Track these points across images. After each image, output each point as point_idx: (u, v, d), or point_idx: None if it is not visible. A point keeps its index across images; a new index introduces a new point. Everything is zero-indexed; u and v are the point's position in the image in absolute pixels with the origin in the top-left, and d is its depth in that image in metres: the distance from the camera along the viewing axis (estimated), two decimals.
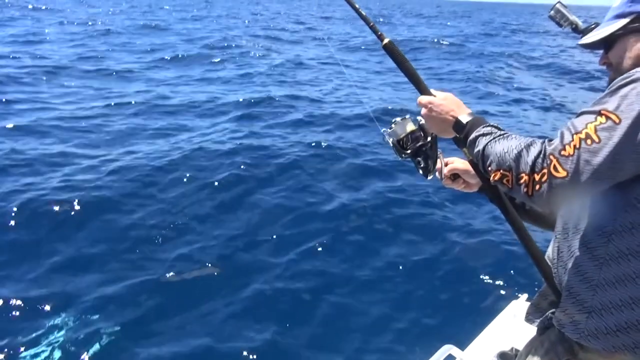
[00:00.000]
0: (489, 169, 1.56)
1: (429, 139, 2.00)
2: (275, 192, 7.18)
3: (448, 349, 2.77)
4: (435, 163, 2.04)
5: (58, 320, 4.53)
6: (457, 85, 15.76)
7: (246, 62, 19.12)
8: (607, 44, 1.68)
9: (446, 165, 2.14)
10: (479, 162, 1.63)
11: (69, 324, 4.49)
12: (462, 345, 3.06)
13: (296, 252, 5.76)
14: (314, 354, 4.39)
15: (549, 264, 1.80)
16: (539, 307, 1.87)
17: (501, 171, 1.51)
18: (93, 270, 5.29)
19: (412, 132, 1.99)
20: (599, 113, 1.38)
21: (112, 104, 11.79)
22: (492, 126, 1.67)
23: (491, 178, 1.56)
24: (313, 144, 9.17)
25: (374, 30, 2.00)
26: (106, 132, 9.58)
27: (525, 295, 3.70)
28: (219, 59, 19.39)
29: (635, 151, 1.35)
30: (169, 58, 19.34)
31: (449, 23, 51.34)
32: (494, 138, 1.59)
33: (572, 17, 1.91)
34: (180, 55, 19.90)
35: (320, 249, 5.85)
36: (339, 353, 4.41)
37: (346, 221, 6.50)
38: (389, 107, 10.94)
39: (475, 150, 1.64)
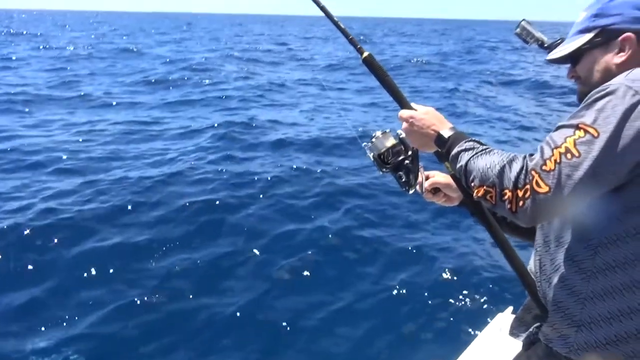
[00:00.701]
0: (472, 184, 1.56)
1: (410, 153, 1.99)
2: (256, 214, 7.13)
3: None
4: (416, 177, 2.02)
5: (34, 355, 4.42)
6: (437, 103, 15.76)
7: (227, 84, 19.16)
8: (573, 58, 1.72)
9: (427, 179, 2.13)
10: (462, 178, 1.63)
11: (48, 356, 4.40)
12: None
13: (277, 274, 5.71)
14: None
15: (533, 277, 1.80)
16: (523, 320, 1.86)
17: (485, 187, 1.50)
18: (71, 297, 5.20)
19: (393, 146, 1.98)
20: (577, 127, 1.40)
21: (93, 129, 11.73)
22: (474, 141, 1.67)
23: (474, 194, 1.55)
24: (294, 166, 9.14)
25: (353, 43, 1.98)
26: (86, 158, 9.49)
27: (511, 308, 3.68)
28: (199, 81, 19.39)
29: (614, 163, 1.37)
30: (149, 81, 19.37)
31: (429, 41, 51.75)
32: (476, 153, 1.59)
33: (538, 34, 1.94)
34: (160, 79, 19.93)
35: (303, 271, 5.79)
36: None
37: (327, 242, 6.46)
38: (370, 128, 10.92)
39: (458, 165, 1.64)
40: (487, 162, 1.52)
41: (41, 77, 18.97)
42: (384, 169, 2.01)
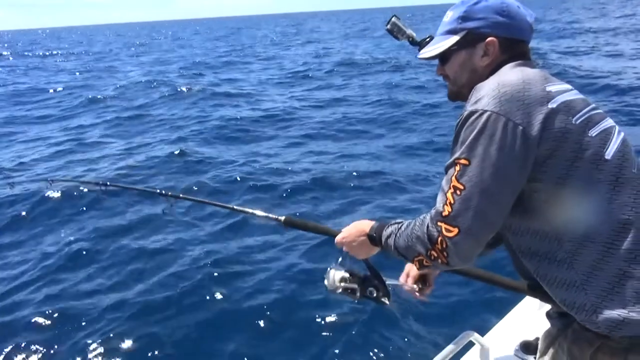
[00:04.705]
0: (410, 260, 1.66)
1: (366, 266, 2.08)
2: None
3: (468, 335, 2.67)
4: (382, 281, 2.08)
5: None
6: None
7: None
8: (442, 57, 1.79)
9: (408, 276, 2.21)
10: (402, 259, 1.73)
11: None
12: (482, 332, 2.96)
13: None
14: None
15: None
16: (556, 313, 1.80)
17: (416, 258, 1.62)
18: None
19: (346, 271, 2.10)
20: (454, 163, 1.52)
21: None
22: (390, 225, 1.78)
23: (416, 268, 1.66)
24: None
25: (268, 217, 2.39)
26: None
27: None
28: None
29: (498, 179, 1.46)
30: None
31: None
32: (396, 236, 1.71)
33: (409, 31, 1.99)
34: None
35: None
36: (366, 343, 4.37)
37: None
38: None
39: (392, 252, 1.75)
40: (405, 238, 1.65)
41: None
42: (356, 296, 2.09)
